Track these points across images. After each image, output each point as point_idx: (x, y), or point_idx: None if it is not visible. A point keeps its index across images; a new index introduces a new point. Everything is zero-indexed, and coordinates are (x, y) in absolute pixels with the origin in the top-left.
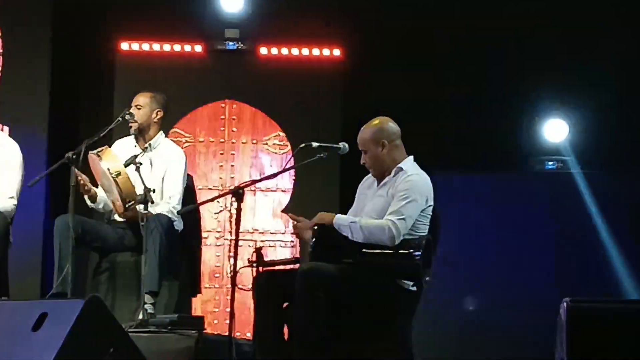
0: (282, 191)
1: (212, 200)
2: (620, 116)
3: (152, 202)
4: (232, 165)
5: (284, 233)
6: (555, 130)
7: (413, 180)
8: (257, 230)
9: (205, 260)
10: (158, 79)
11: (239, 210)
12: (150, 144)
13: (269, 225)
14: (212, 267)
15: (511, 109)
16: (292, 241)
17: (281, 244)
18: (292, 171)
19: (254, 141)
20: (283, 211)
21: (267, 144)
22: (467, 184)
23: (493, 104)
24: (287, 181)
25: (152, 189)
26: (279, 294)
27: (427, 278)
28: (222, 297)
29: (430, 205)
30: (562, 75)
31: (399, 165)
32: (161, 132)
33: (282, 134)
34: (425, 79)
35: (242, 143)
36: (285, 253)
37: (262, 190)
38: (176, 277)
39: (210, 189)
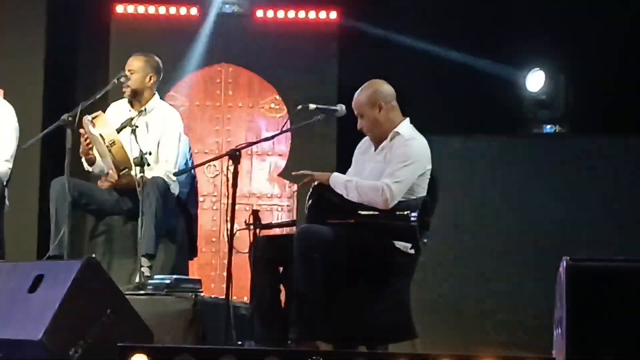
0: (279, 155)
1: (208, 162)
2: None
3: (149, 165)
4: (228, 129)
5: (280, 197)
6: (536, 81)
7: (410, 145)
8: (253, 194)
9: (202, 224)
10: (153, 41)
11: (235, 172)
12: (145, 109)
13: (266, 189)
14: (208, 231)
15: (512, 71)
16: (288, 205)
17: (278, 208)
18: (289, 135)
19: (250, 105)
20: (280, 175)
21: (263, 107)
22: (465, 147)
23: (494, 65)
24: (283, 145)
25: (148, 152)
26: (276, 257)
27: (425, 240)
28: (219, 261)
29: (428, 170)
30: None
31: (396, 129)
32: (156, 94)
33: (278, 97)
34: (422, 40)
35: (238, 107)
36: (282, 217)
37: (259, 154)
38: (173, 240)
39: (206, 152)
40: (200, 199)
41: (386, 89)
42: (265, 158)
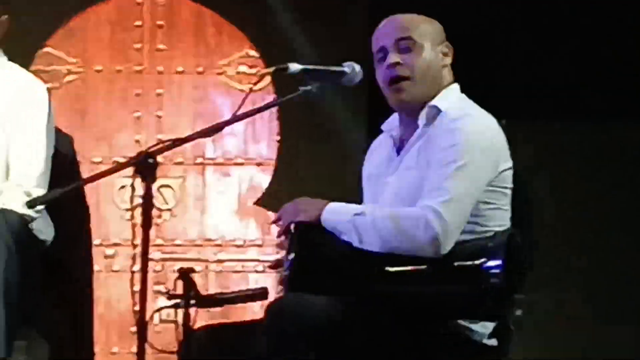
0: (257, 164)
1: (96, 178)
2: None
3: None
4: (159, 116)
5: (262, 245)
6: None
7: (463, 129)
8: (210, 240)
9: (110, 300)
10: None
11: (148, 197)
12: None
13: (233, 231)
14: (123, 314)
15: None
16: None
17: (256, 266)
18: (275, 127)
19: (200, 69)
20: (259, 203)
21: (225, 72)
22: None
23: None
24: (264, 146)
25: None
26: None
27: (518, 312)
28: None
29: (506, 170)
30: None
31: (433, 102)
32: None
33: (254, 53)
34: None
35: (177, 73)
36: (263, 282)
37: (218, 164)
38: (44, 334)
39: (115, 162)
40: (108, 252)
41: None
42: (232, 170)
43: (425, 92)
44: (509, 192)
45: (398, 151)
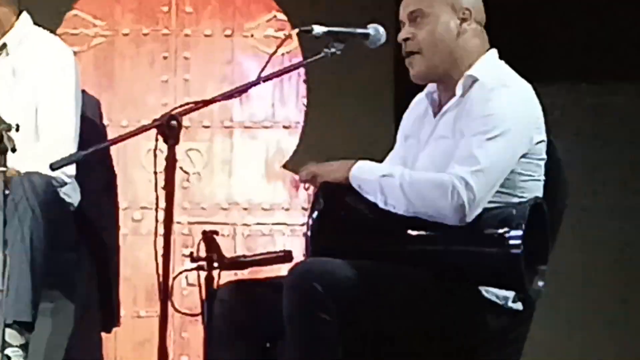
0: (285, 127)
1: (118, 141)
2: None
3: (14, 151)
4: (186, 80)
5: (288, 209)
6: None
7: (499, 99)
8: (236, 203)
9: (139, 263)
10: None
11: (171, 159)
12: (4, 44)
13: (261, 195)
14: (150, 277)
15: None
16: (305, 224)
17: (285, 229)
18: (303, 89)
19: (228, 32)
20: (286, 166)
21: (252, 35)
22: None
23: None
24: (292, 109)
25: (14, 125)
26: (256, 323)
27: (540, 283)
28: (172, 333)
29: (540, 142)
30: None
31: (470, 72)
32: (25, 15)
33: (281, 16)
34: None
35: (205, 36)
36: (291, 245)
37: (247, 127)
38: (69, 296)
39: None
40: (135, 216)
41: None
42: (258, 134)
43: (439, 64)
44: (542, 163)
45: (435, 114)
